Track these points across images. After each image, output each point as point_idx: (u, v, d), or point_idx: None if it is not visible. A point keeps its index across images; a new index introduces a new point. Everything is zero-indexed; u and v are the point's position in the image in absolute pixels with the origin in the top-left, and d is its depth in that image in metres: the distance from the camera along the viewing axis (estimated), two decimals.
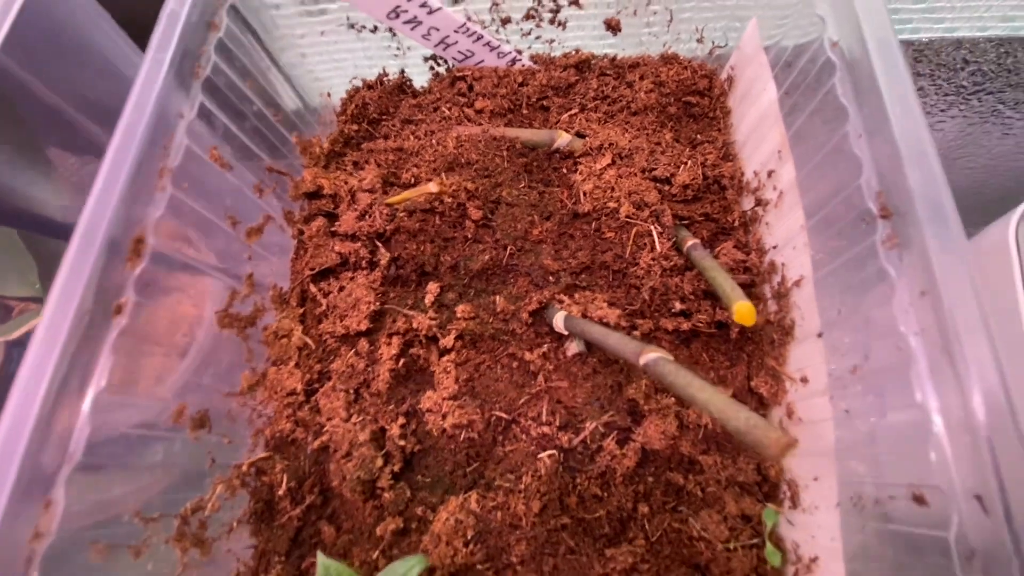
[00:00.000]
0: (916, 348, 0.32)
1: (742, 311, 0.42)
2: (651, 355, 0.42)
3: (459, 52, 0.68)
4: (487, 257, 0.60)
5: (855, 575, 0.37)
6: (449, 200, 0.60)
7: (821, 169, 0.43)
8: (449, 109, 0.68)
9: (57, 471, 0.36)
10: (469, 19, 0.64)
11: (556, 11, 0.64)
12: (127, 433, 0.39)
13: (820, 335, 0.43)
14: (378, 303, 0.57)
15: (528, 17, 0.65)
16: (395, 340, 0.55)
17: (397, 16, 0.62)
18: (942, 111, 0.99)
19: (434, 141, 0.66)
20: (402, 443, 0.52)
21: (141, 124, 0.39)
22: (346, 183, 0.63)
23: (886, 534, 0.34)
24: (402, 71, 0.71)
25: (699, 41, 0.64)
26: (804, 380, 0.45)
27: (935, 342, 0.31)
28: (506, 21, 0.65)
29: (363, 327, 0.56)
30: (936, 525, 0.30)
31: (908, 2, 0.83)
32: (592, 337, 0.49)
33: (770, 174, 0.52)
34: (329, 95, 0.70)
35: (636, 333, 0.56)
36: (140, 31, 0.54)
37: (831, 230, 0.41)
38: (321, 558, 0.41)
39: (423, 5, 0.61)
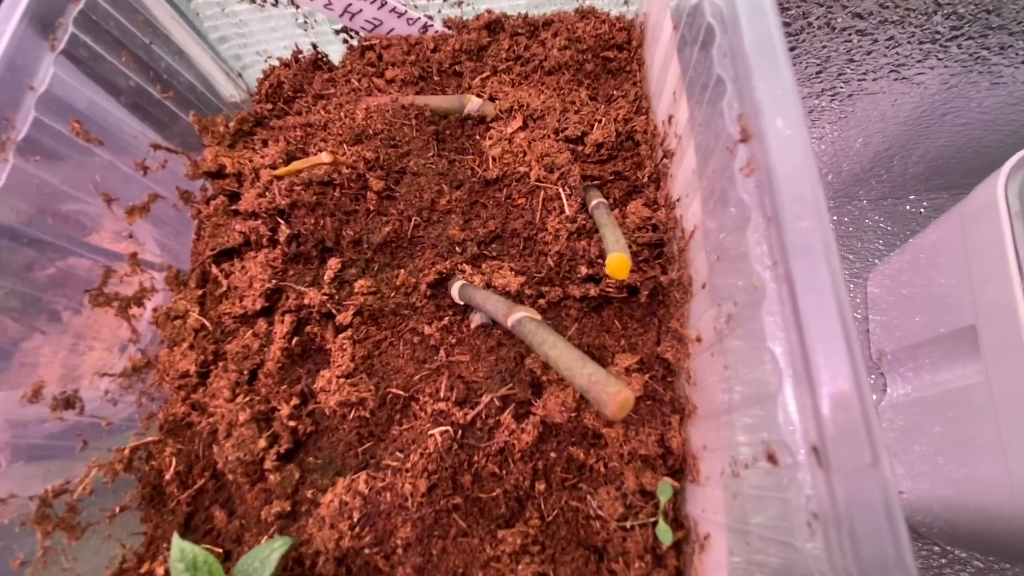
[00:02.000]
0: (767, 282, 0.27)
1: (613, 263, 0.38)
2: (517, 315, 0.38)
3: (367, 21, 0.65)
4: (389, 229, 0.57)
5: (733, 551, 0.32)
6: (347, 171, 0.57)
7: (699, 102, 0.38)
8: (359, 80, 0.66)
9: None
10: None
11: None
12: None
13: (704, 286, 0.38)
14: (273, 281, 0.55)
15: None
16: (287, 318, 0.53)
17: None
18: (918, 62, 0.91)
19: (342, 114, 0.64)
20: (292, 424, 0.50)
21: None
22: (250, 161, 0.61)
23: (751, 500, 0.30)
24: (314, 46, 0.68)
25: None
26: (699, 339, 0.41)
27: (780, 274, 0.26)
28: None
29: (258, 306, 0.54)
30: (786, 486, 0.26)
31: None
32: (476, 303, 0.45)
33: (670, 120, 0.48)
34: (240, 75, 0.68)
35: (542, 302, 0.52)
36: None
37: (710, 168, 0.37)
38: (176, 540, 0.39)
39: None
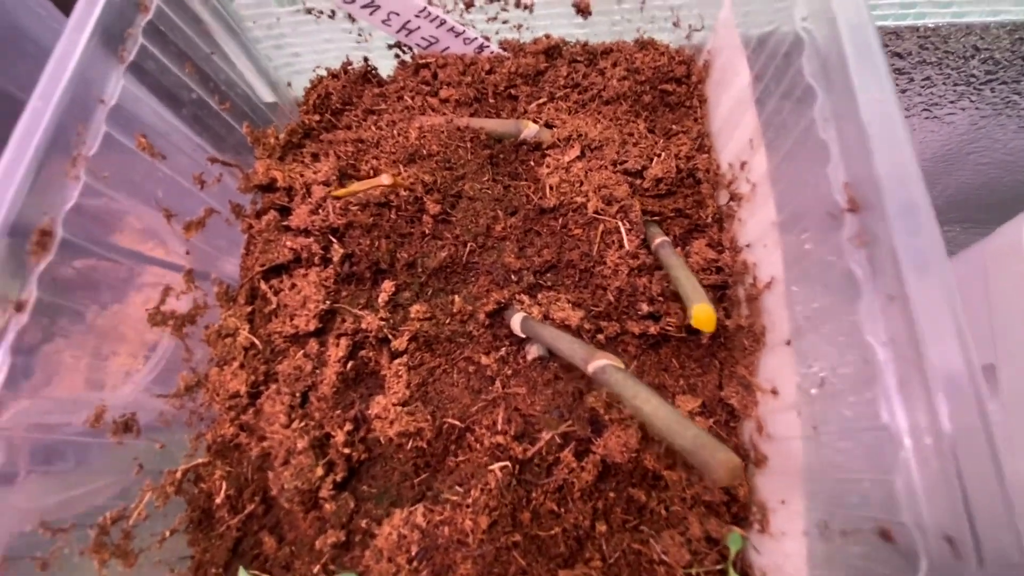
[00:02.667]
0: (883, 360, 0.28)
1: (700, 315, 0.38)
2: (599, 362, 0.38)
3: (423, 38, 0.64)
4: (445, 254, 0.56)
5: None
6: (405, 193, 0.57)
7: (790, 158, 0.39)
8: (412, 98, 0.65)
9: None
10: (430, 2, 0.61)
11: None
12: (33, 438, 0.37)
13: (789, 343, 0.38)
14: (328, 302, 0.54)
15: (492, 0, 0.61)
16: (343, 341, 0.52)
17: (354, 0, 0.59)
18: (951, 102, 0.93)
19: (395, 132, 0.63)
20: (347, 451, 0.49)
21: (48, 110, 0.36)
22: (301, 176, 0.60)
23: (852, 571, 0.30)
24: (366, 59, 0.67)
25: (675, 24, 0.60)
26: (774, 392, 0.41)
27: (904, 355, 0.27)
28: (469, 4, 0.62)
29: (312, 327, 0.53)
30: (902, 569, 0.26)
31: None
32: (545, 341, 0.45)
33: (743, 165, 0.48)
34: (290, 84, 0.67)
35: (601, 337, 0.52)
36: None
37: (800, 226, 0.37)
38: (243, 573, 0.38)
39: None
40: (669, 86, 0.62)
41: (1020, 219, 0.82)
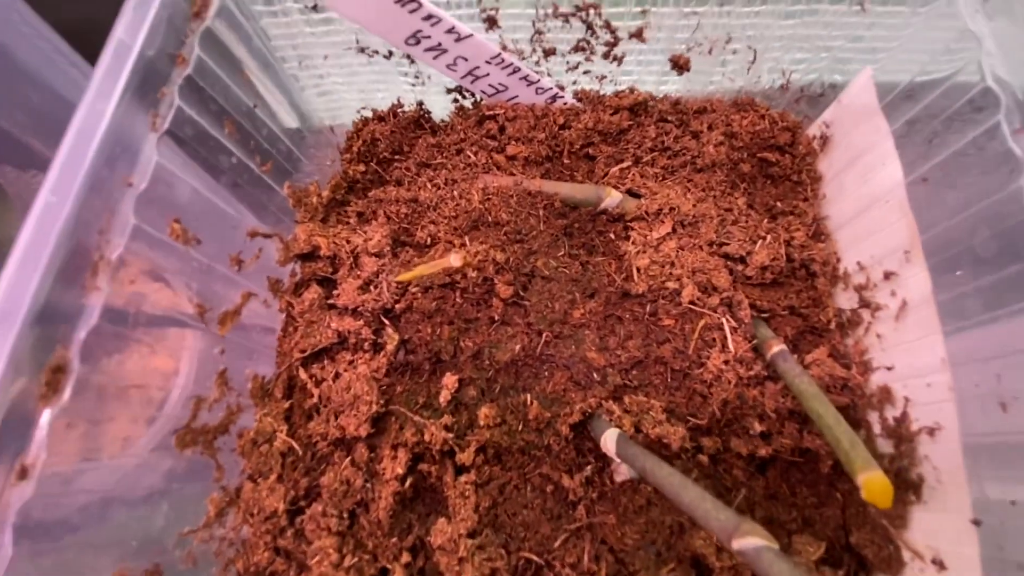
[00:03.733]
0: None
1: (874, 488, 0.31)
2: (750, 541, 0.31)
3: (490, 86, 0.56)
4: (517, 346, 0.49)
5: None
6: (474, 274, 0.49)
7: (986, 322, 0.32)
8: (475, 153, 0.57)
9: None
10: (505, 48, 0.53)
11: (613, 44, 0.53)
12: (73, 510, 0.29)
13: (977, 523, 0.32)
14: (382, 403, 0.46)
15: (577, 49, 0.53)
16: (401, 454, 0.45)
17: (418, 43, 0.50)
18: None
19: (456, 193, 0.55)
20: None
21: (64, 209, 0.28)
22: (348, 242, 0.52)
23: None
24: (420, 104, 0.59)
25: (783, 88, 0.53)
26: (939, 564, 0.34)
27: None
28: (550, 53, 0.54)
29: (363, 433, 0.45)
30: None
31: None
32: (659, 483, 0.38)
33: (888, 276, 0.41)
34: (332, 129, 0.58)
35: (702, 458, 0.45)
36: (91, 38, 0.43)
37: (991, 370, 0.30)
38: None
39: (450, 31, 0.49)
40: (771, 155, 0.55)
41: None
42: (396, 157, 0.60)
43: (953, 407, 0.34)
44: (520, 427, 0.47)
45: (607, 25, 0.51)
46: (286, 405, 0.48)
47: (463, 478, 0.45)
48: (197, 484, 0.38)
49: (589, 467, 0.46)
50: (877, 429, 0.41)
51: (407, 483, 0.44)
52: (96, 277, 0.30)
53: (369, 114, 0.61)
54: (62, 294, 0.28)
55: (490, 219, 0.54)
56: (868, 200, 0.43)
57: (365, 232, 0.53)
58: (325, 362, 0.50)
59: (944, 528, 0.35)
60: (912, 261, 0.38)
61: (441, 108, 0.61)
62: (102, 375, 0.42)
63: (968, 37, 0.35)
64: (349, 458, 0.46)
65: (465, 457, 0.45)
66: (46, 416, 0.28)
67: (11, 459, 0.27)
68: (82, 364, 0.29)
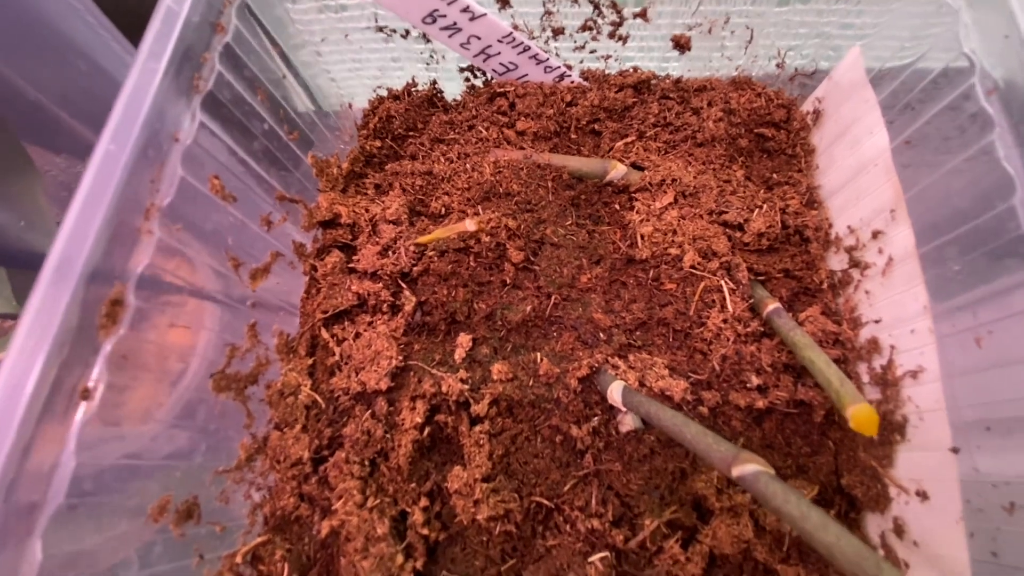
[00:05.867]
0: None
1: (861, 417, 0.34)
2: (748, 467, 0.34)
3: (500, 64, 0.59)
4: (528, 307, 0.51)
5: None
6: (487, 239, 0.52)
7: (962, 249, 0.35)
8: (487, 129, 0.60)
9: (36, 515, 0.28)
10: (516, 28, 0.56)
11: (618, 23, 0.56)
12: (109, 466, 0.31)
13: (955, 451, 0.35)
14: (401, 358, 0.49)
15: (585, 28, 0.56)
16: (419, 405, 0.47)
17: (434, 21, 0.53)
18: None
19: (468, 166, 0.58)
20: (425, 531, 0.44)
21: (123, 156, 0.30)
22: (367, 211, 0.55)
23: None
24: (434, 82, 0.62)
25: (779, 66, 0.56)
26: (923, 495, 0.37)
27: None
28: (558, 32, 0.57)
29: (383, 386, 0.48)
30: None
31: None
32: (663, 424, 0.41)
33: (876, 235, 0.44)
34: (351, 105, 0.61)
35: (703, 409, 0.48)
36: (135, 21, 0.46)
37: (979, 317, 0.33)
38: None
39: (465, 10, 0.52)
40: (767, 130, 0.58)
41: None
42: (411, 133, 0.63)
43: (934, 348, 0.37)
44: (531, 382, 0.49)
45: (613, 5, 0.54)
46: (309, 362, 0.51)
47: (477, 428, 0.47)
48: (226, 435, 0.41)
49: (596, 418, 0.48)
50: (865, 379, 0.44)
51: (425, 432, 0.47)
52: (149, 221, 0.33)
53: (384, 93, 0.64)
54: (119, 235, 0.31)
55: (501, 190, 0.56)
56: (857, 167, 0.46)
57: (383, 202, 0.56)
58: (346, 323, 0.53)
59: (926, 461, 0.37)
60: (897, 219, 0.41)
61: (454, 88, 0.64)
62: (123, 342, 0.44)
63: (946, 11, 0.38)
64: (370, 411, 0.49)
65: (480, 408, 0.48)
66: (105, 350, 0.31)
67: (75, 382, 0.29)
68: (136, 298, 0.31)
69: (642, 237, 0.54)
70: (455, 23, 0.54)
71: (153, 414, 0.42)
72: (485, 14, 0.53)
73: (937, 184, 0.37)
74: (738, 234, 0.53)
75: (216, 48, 0.38)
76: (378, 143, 0.62)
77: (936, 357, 0.36)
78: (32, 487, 0.28)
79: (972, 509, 0.33)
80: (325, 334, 0.52)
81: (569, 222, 0.56)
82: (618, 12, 0.54)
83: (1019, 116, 0.31)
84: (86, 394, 0.29)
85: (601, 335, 0.51)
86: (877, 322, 0.43)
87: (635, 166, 0.58)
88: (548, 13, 0.55)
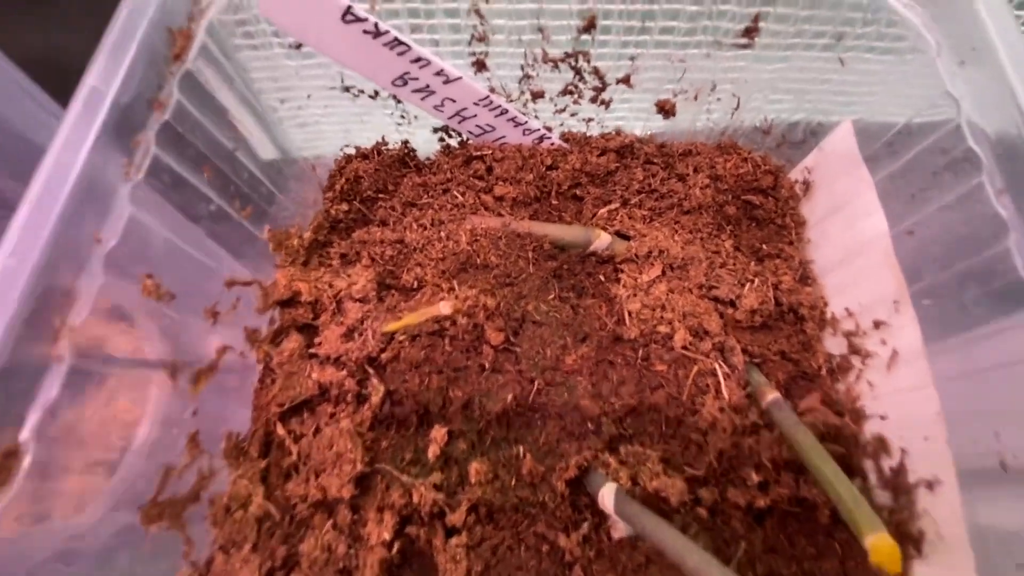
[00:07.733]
0: None
1: (881, 549, 0.30)
2: None
3: (477, 126, 0.56)
4: (509, 395, 0.47)
5: None
6: (464, 321, 0.47)
7: (973, 364, 0.32)
8: (463, 193, 0.56)
9: None
10: (493, 91, 0.53)
11: (601, 88, 0.53)
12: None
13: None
14: (366, 461, 0.44)
15: (566, 92, 0.54)
16: (388, 517, 0.42)
17: (405, 84, 0.50)
18: None
19: (443, 234, 0.54)
20: None
21: (24, 274, 0.25)
22: (331, 286, 0.50)
23: None
24: (405, 143, 0.58)
25: (765, 132, 0.54)
26: None
27: None
28: (538, 95, 0.54)
29: (346, 494, 0.43)
30: None
31: None
32: (662, 546, 0.37)
33: (877, 325, 0.41)
34: (314, 168, 0.57)
35: (701, 510, 0.44)
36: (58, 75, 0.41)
37: (1003, 439, 0.30)
38: None
39: (439, 73, 0.49)
40: (755, 197, 0.56)
41: None
42: (380, 196, 0.59)
43: (950, 462, 0.34)
44: (513, 483, 0.45)
45: (595, 71, 0.51)
46: (262, 465, 0.45)
47: (454, 541, 0.42)
48: (162, 562, 0.35)
49: (586, 524, 0.44)
50: (874, 479, 0.41)
51: (394, 548, 0.42)
52: (57, 345, 0.27)
53: (352, 151, 0.60)
54: (15, 371, 0.25)
55: (479, 261, 0.52)
56: (853, 248, 0.44)
57: (349, 275, 0.51)
58: (305, 416, 0.47)
59: None
60: (901, 312, 0.38)
61: (424, 141, 0.60)
62: (58, 426, 0.38)
63: (948, 95, 0.36)
64: (331, 521, 0.43)
65: (456, 518, 0.43)
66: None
67: None
68: (37, 444, 0.26)
69: (629, 314, 0.50)
70: (428, 85, 0.50)
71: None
72: (460, 77, 0.50)
73: (949, 283, 0.35)
74: (730, 311, 0.50)
75: (152, 128, 0.33)
76: (345, 206, 0.57)
77: (953, 470, 0.34)
78: None
79: None
80: (281, 430, 0.46)
81: (551, 296, 0.52)
82: (600, 78, 0.51)
83: None
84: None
85: (589, 424, 0.47)
86: (883, 418, 0.40)
87: (619, 234, 0.55)
88: (527, 76, 0.52)
